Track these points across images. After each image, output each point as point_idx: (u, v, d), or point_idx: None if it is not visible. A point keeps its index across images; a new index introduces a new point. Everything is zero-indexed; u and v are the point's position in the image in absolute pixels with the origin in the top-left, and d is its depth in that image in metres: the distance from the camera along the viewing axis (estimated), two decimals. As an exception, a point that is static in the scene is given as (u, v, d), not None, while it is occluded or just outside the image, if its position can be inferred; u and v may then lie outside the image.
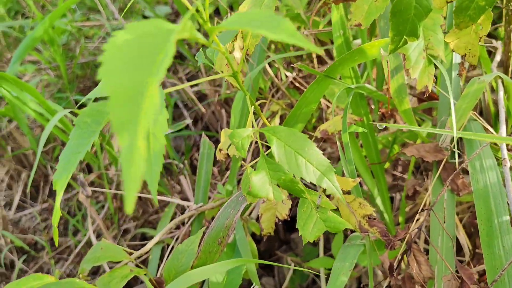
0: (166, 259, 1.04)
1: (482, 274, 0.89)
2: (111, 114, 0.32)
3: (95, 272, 1.47)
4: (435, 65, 0.67)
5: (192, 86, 1.59)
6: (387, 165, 1.14)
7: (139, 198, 1.47)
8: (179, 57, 1.88)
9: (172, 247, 1.11)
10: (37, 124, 1.91)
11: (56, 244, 0.55)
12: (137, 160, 0.31)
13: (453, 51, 0.63)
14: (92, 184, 1.57)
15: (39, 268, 1.61)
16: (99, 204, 1.58)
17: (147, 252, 1.31)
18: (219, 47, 0.50)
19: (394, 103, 0.82)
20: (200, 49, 0.68)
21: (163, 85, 1.83)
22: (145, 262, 1.31)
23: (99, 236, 1.51)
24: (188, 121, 1.09)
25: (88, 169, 1.73)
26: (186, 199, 1.37)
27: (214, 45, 0.53)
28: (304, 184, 0.70)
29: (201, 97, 1.72)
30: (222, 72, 0.78)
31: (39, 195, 1.81)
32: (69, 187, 1.77)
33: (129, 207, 0.30)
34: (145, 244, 1.04)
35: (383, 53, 0.60)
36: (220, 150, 0.90)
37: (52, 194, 1.81)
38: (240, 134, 0.56)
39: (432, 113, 0.94)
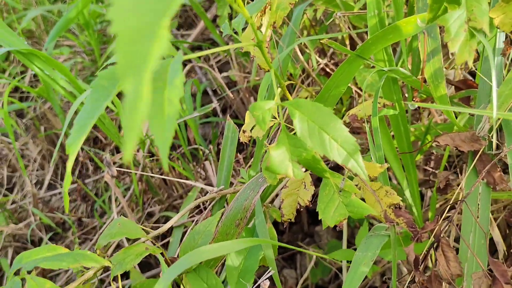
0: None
1: (516, 276, 0.83)
2: (118, 55, 0.30)
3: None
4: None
5: (221, 72, 1.57)
6: (418, 157, 1.09)
7: (164, 182, 1.47)
8: (211, 43, 1.87)
9: (193, 231, 1.10)
10: (69, 106, 1.94)
11: (67, 210, 0.54)
12: (140, 108, 0.29)
13: (498, 28, 0.58)
14: (120, 167, 1.58)
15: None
16: (125, 186, 1.59)
17: (168, 234, 1.31)
18: (242, 9, 0.47)
19: (429, 89, 0.78)
20: (226, 21, 0.66)
21: (193, 71, 1.82)
22: (167, 245, 1.30)
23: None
24: (215, 104, 1.07)
25: (117, 152, 1.74)
26: (210, 185, 1.36)
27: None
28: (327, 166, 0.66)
29: (231, 84, 1.71)
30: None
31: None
32: (98, 169, 1.79)
33: (128, 155, 0.28)
34: (168, 228, 1.03)
35: (420, 24, 0.56)
36: (244, 131, 0.87)
37: (82, 175, 1.83)
38: (261, 106, 0.53)
39: (470, 103, 0.89)
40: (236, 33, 0.70)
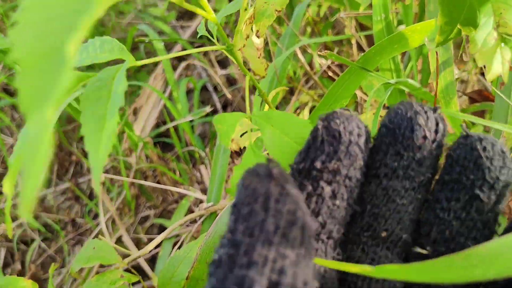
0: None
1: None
2: (21, 87, 0.24)
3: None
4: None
5: (221, 67, 1.49)
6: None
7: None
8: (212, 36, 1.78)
9: (182, 244, 1.03)
10: (66, 100, 1.87)
11: (10, 236, 0.48)
12: (43, 150, 0.23)
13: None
14: (114, 168, 1.52)
15: (59, 248, 1.59)
16: (119, 189, 1.53)
17: (157, 247, 1.24)
18: (209, 14, 0.39)
19: (439, 104, 0.69)
20: (201, 21, 0.58)
21: (194, 67, 1.74)
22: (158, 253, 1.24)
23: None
24: (208, 109, 1.00)
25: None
26: (205, 190, 1.29)
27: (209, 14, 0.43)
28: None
29: (231, 80, 1.62)
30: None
31: (64, 174, 1.78)
32: (93, 167, 1.73)
33: (27, 211, 0.22)
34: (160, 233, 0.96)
35: (428, 45, 0.47)
36: (233, 140, 0.79)
37: (77, 173, 1.78)
38: (226, 119, 0.45)
39: (484, 116, 0.80)
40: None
